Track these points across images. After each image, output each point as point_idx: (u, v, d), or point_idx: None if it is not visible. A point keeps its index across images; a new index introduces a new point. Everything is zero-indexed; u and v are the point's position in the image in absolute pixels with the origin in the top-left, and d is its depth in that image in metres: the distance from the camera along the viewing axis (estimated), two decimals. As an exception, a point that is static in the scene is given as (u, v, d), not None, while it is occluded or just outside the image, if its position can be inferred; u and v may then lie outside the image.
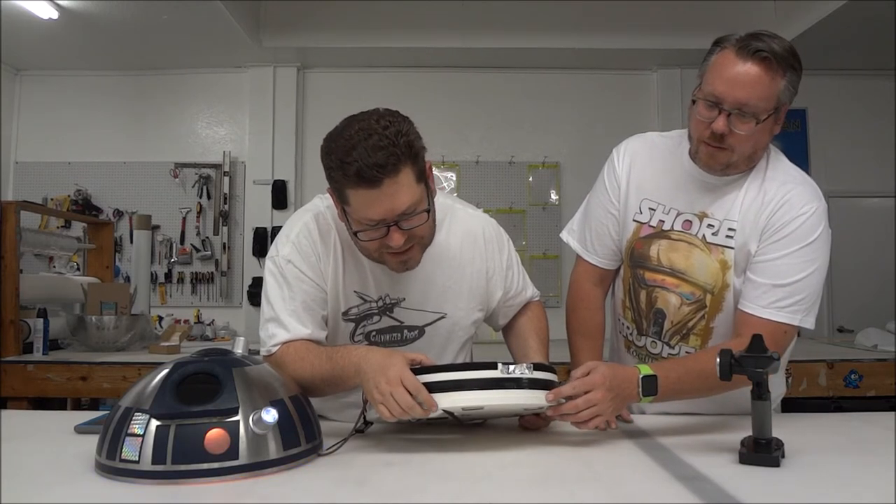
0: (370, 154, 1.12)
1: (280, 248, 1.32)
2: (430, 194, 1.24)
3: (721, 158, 1.31)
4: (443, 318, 1.40)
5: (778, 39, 1.24)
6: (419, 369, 1.13)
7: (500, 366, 1.12)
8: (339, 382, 1.22)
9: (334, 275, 1.32)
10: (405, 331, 1.39)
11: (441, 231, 1.37)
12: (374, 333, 1.38)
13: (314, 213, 1.35)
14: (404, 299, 1.37)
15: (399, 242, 1.19)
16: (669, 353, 1.43)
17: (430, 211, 1.23)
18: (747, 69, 1.23)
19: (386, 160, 1.12)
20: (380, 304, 1.36)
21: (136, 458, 0.94)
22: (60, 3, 4.31)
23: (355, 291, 1.35)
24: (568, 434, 1.26)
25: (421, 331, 1.40)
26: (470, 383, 1.10)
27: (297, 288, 1.29)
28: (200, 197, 5.42)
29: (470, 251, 1.41)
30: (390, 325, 1.38)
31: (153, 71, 5.44)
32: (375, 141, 1.12)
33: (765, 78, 1.22)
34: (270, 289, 1.32)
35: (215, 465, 0.95)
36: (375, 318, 1.37)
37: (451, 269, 1.39)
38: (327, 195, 1.31)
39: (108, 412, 1.07)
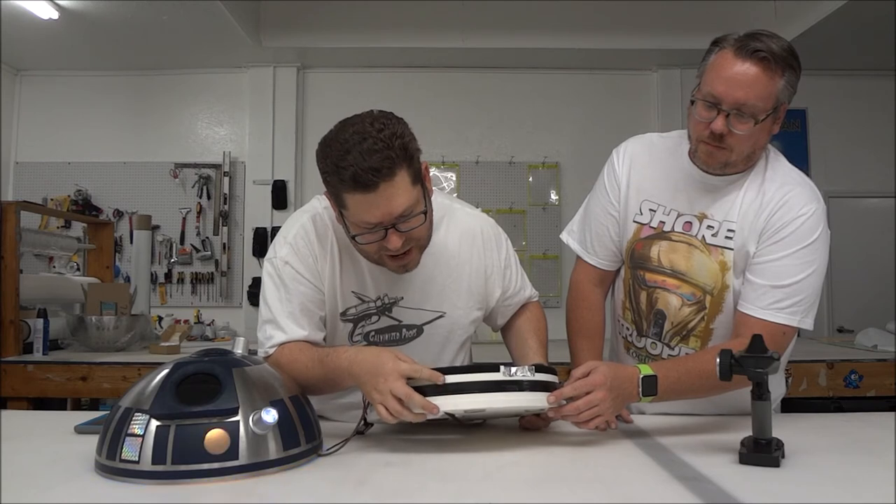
0: (365, 158, 1.11)
1: (277, 250, 1.32)
2: (426, 195, 1.24)
3: (720, 157, 1.31)
4: (441, 316, 1.40)
5: (776, 39, 1.24)
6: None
7: (501, 368, 1.12)
8: (332, 385, 1.23)
9: (331, 276, 1.32)
10: (404, 330, 1.39)
11: (439, 230, 1.37)
12: (372, 333, 1.38)
13: (311, 214, 1.35)
14: (402, 298, 1.37)
15: (397, 245, 1.19)
16: (669, 355, 1.43)
17: (426, 212, 1.23)
18: (745, 69, 1.22)
19: (381, 164, 1.12)
20: (378, 303, 1.36)
21: (136, 459, 0.94)
22: (60, 3, 4.31)
23: (353, 292, 1.35)
24: (568, 434, 1.26)
25: (419, 329, 1.40)
26: (472, 386, 1.10)
27: (294, 290, 1.29)
28: (200, 197, 5.42)
29: (468, 250, 1.41)
30: (389, 325, 1.38)
31: (153, 71, 5.44)
32: (370, 144, 1.12)
33: (763, 78, 1.22)
34: (268, 290, 1.32)
35: (215, 465, 0.95)
36: (374, 318, 1.37)
37: (449, 268, 1.39)
38: (325, 196, 1.31)
39: (108, 412, 1.07)
